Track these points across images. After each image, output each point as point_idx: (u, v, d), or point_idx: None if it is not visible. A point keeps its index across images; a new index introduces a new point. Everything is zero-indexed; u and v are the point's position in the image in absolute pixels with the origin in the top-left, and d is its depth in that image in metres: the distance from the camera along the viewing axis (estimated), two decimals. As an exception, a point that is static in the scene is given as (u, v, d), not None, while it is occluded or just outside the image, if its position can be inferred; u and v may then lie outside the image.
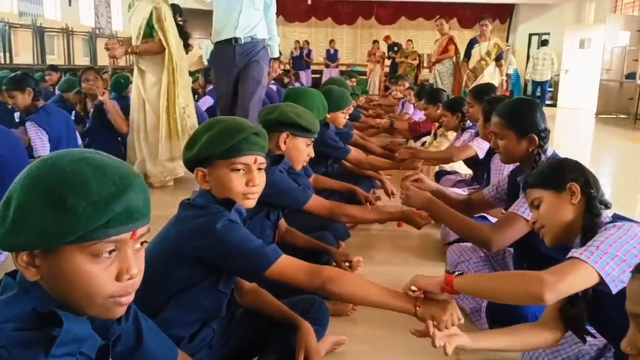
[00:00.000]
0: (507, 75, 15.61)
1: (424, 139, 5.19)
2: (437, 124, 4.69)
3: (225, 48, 4.07)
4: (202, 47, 15.69)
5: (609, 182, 5.39)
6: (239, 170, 1.52)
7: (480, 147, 3.25)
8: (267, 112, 2.21)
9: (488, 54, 7.71)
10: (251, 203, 1.57)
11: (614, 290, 1.26)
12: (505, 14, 18.81)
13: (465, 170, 4.01)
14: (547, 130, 2.07)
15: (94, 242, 0.86)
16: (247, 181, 1.54)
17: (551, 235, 1.52)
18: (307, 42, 17.10)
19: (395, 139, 5.86)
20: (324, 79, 16.05)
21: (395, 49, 15.36)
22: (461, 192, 3.27)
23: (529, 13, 18.07)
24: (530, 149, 2.04)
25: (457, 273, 1.44)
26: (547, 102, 15.72)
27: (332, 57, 16.58)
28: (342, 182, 3.24)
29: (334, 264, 2.35)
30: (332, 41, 17.01)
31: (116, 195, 0.86)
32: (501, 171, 2.68)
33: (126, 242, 0.90)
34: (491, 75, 7.58)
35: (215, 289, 1.50)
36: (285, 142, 2.19)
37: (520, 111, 2.07)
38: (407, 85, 7.99)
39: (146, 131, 4.36)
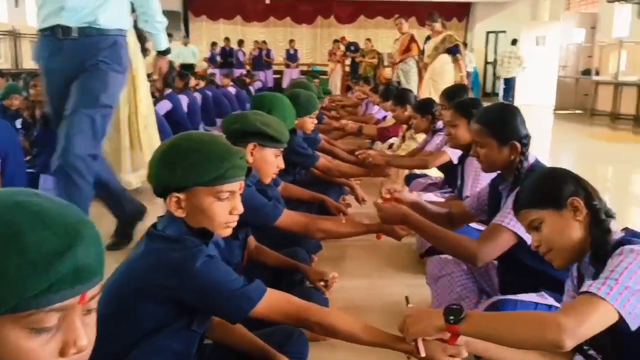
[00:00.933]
0: (467, 73, 15.91)
1: (391, 140, 5.08)
2: (405, 126, 4.58)
3: (50, 42, 2.71)
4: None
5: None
6: (224, 198, 1.35)
7: (454, 152, 3.15)
8: (232, 121, 2.03)
9: (436, 49, 7.70)
10: (229, 232, 1.40)
11: (633, 327, 1.13)
12: (462, 12, 18.99)
13: (436, 174, 3.90)
14: (529, 137, 1.96)
15: (32, 312, 0.68)
16: (231, 209, 1.38)
17: (561, 258, 1.38)
18: (264, 42, 16.87)
19: (362, 140, 5.74)
20: (284, 79, 15.94)
21: (353, 48, 15.30)
22: (435, 197, 3.16)
23: (485, 11, 18.28)
24: (512, 157, 1.93)
25: (452, 318, 1.24)
26: (509, 99, 15.99)
27: (292, 57, 16.40)
28: (311, 190, 3.11)
29: (308, 283, 2.20)
30: (291, 41, 16.84)
31: (60, 252, 0.69)
32: (478, 177, 2.57)
33: (73, 309, 0.72)
34: (449, 72, 7.52)
35: (188, 330, 1.32)
36: (252, 154, 2.01)
37: (501, 118, 1.96)
38: (370, 86, 7.88)
39: (100, 141, 4.10)
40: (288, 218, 2.07)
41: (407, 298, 1.50)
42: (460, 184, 2.90)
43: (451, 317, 1.23)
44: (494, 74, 18.27)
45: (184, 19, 18.45)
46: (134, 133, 4.09)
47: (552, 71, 14.09)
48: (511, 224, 1.79)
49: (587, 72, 12.93)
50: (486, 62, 18.43)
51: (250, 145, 1.99)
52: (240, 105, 10.49)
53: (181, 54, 15.08)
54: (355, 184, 3.44)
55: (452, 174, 3.34)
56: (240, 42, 16.56)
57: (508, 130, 1.92)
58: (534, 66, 14.88)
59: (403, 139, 4.55)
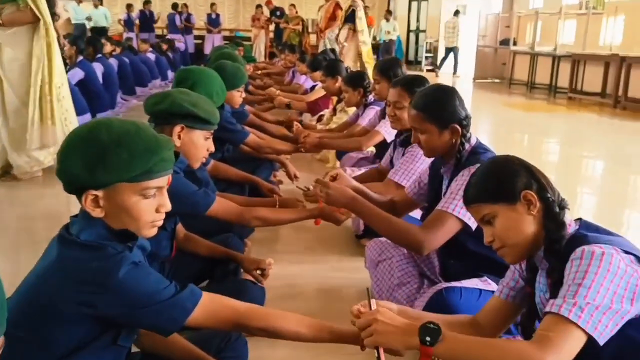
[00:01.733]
0: (391, 41, 15.98)
1: (321, 112, 4.97)
2: (335, 99, 4.48)
3: None
4: (69, 9, 14.30)
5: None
6: (150, 195, 1.19)
7: (388, 132, 3.08)
8: (156, 101, 1.84)
9: (342, 18, 7.54)
10: (155, 231, 1.23)
11: (602, 343, 1.09)
12: (385, -21, 18.96)
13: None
14: (469, 117, 1.90)
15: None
16: (158, 206, 1.21)
17: (514, 254, 1.31)
18: (185, 5, 16.11)
19: (290, 111, 5.58)
20: (206, 45, 15.35)
21: (278, 13, 14.93)
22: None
23: (408, -21, 18.35)
24: (453, 140, 1.87)
25: (429, 340, 1.13)
26: (428, 67, 16.25)
27: (213, 22, 15.78)
28: (241, 167, 2.96)
29: (242, 271, 2.07)
30: (213, 5, 16.13)
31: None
32: (415, 158, 2.49)
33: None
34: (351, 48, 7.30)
35: (114, 345, 1.17)
36: (179, 137, 1.83)
37: (439, 101, 1.87)
38: (296, 55, 7.68)
39: (5, 115, 3.73)
40: (220, 206, 1.93)
41: (368, 290, 1.39)
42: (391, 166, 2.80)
43: (427, 339, 1.14)
44: (417, 42, 18.51)
45: (97, -21, 17.30)
46: (46, 105, 3.75)
47: (471, 41, 14.40)
48: (456, 210, 1.74)
49: (505, 42, 13.31)
50: (409, 30, 18.59)
51: (178, 128, 1.81)
52: (161, 73, 10.01)
53: (92, 16, 14.19)
54: (286, 160, 3.31)
55: (384, 149, 3.29)
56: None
57: (447, 114, 1.85)
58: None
59: (334, 111, 4.46)
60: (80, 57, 5.92)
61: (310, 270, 2.60)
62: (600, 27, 10.36)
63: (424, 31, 18.22)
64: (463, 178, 1.77)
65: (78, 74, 5.78)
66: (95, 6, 14.35)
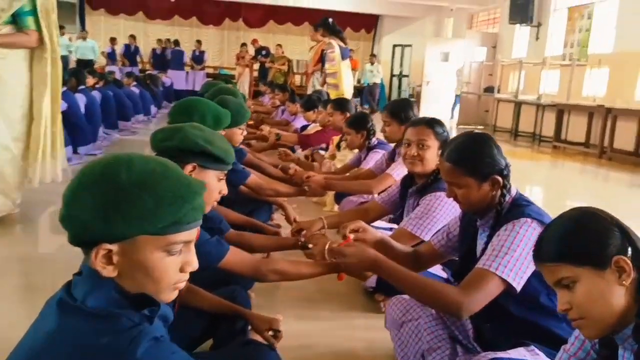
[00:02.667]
0: (374, 84, 16.08)
1: (320, 151, 4.79)
2: (337, 138, 4.31)
3: None
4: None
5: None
6: (176, 251, 0.97)
7: (400, 175, 2.90)
8: (165, 136, 1.63)
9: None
10: (176, 294, 1.01)
11: None
12: (370, 24, 19.26)
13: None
14: (509, 166, 1.74)
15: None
16: (183, 264, 1.00)
17: (595, 328, 1.12)
18: (175, 40, 16.04)
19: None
20: (188, 82, 15.20)
21: (264, 52, 14.94)
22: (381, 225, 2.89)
23: (392, 25, 18.64)
24: (493, 192, 1.69)
25: None
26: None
27: (198, 58, 15.73)
28: (238, 209, 2.75)
29: (250, 328, 1.83)
30: (198, 42, 16.12)
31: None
32: (431, 209, 2.29)
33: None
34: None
35: None
36: None
37: (477, 152, 1.70)
38: (286, 93, 7.54)
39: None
40: (235, 258, 1.71)
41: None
42: (401, 213, 2.62)
43: None
44: (400, 86, 18.69)
45: (80, 12, 17.20)
46: (42, 138, 3.42)
47: (455, 87, 14.55)
48: (499, 269, 1.54)
49: (488, 90, 13.47)
50: (392, 74, 18.79)
51: (189, 167, 1.61)
52: (144, 108, 9.79)
53: (79, 48, 14.00)
54: (285, 203, 3.10)
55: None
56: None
57: (486, 165, 1.68)
58: (439, 81, 15.30)
59: (338, 147, 4.27)
60: (64, 88, 5.67)
61: (320, 329, 2.35)
62: (583, 78, 10.51)
63: (407, 76, 18.44)
64: (506, 233, 1.59)
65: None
66: (84, 38, 14.17)
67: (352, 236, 1.80)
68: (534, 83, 11.59)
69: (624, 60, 9.35)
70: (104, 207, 0.90)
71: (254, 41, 15.71)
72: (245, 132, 2.98)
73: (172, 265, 0.97)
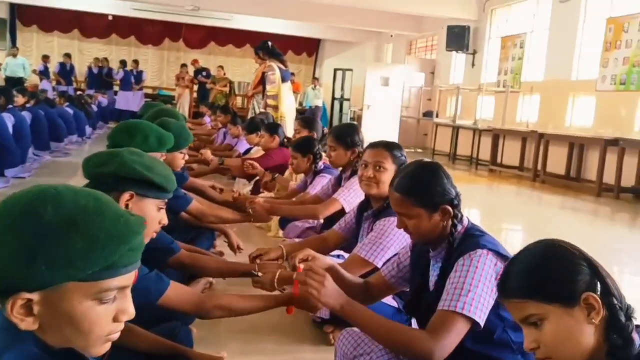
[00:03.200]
0: (317, 107, 16.17)
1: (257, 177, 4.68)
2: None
3: None
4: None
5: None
6: (108, 300, 0.85)
7: (347, 200, 2.84)
8: (101, 161, 1.50)
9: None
10: (108, 347, 0.89)
11: None
12: (312, 48, 19.45)
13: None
14: (459, 195, 1.70)
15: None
16: (117, 313, 0.87)
17: None
18: (106, 59, 15.61)
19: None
20: (123, 102, 14.77)
21: (204, 73, 14.77)
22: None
23: (333, 49, 18.90)
24: (444, 222, 1.65)
25: None
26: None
27: (136, 78, 15.34)
28: (179, 236, 2.61)
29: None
30: (135, 61, 15.74)
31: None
32: (385, 233, 2.24)
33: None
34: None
35: None
36: (127, 206, 1.50)
37: (427, 182, 1.66)
38: (228, 116, 7.40)
39: None
40: (176, 293, 1.58)
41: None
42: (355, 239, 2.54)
43: None
44: (341, 109, 18.87)
45: (11, 28, 16.50)
46: None
47: (395, 111, 14.81)
48: (465, 308, 1.48)
49: (427, 114, 13.78)
50: (333, 98, 18.97)
51: (126, 195, 1.48)
52: (79, 128, 9.40)
53: (9, 65, 13.37)
54: (229, 230, 2.98)
55: (332, 220, 3.03)
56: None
57: (437, 195, 1.64)
58: (378, 105, 15.54)
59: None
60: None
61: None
62: (517, 104, 10.93)
63: (348, 99, 18.66)
64: (464, 268, 1.54)
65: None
66: (14, 55, 13.54)
67: (301, 266, 1.72)
68: (470, 108, 11.96)
69: (554, 88, 9.79)
70: (25, 249, 0.77)
71: (194, 61, 15.52)
72: (186, 157, 2.86)
73: (105, 315, 0.85)
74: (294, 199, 3.42)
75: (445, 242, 1.66)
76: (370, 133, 15.11)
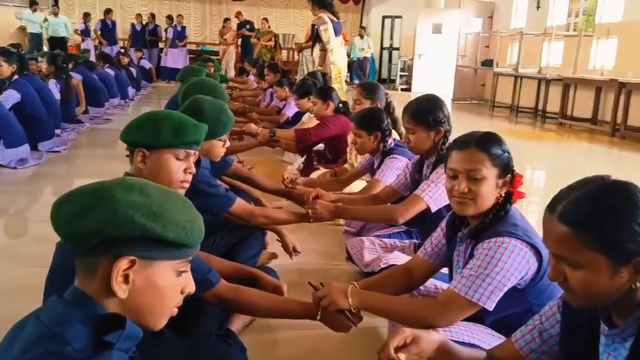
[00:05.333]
0: (365, 58, 15.31)
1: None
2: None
3: None
4: (23, 17, 13.10)
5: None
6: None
7: (434, 198, 2.24)
8: (79, 210, 0.92)
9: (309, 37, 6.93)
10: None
11: None
12: (359, -6, 18.37)
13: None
14: None
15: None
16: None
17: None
18: (152, 15, 15.05)
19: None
20: (171, 60, 14.31)
21: (248, 27, 14.04)
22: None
23: (382, -5, 17.78)
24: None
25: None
26: (403, 86, 15.65)
27: (179, 35, 14.78)
28: (224, 235, 2.16)
29: None
30: (179, 16, 15.12)
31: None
32: (497, 263, 1.63)
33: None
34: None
35: None
36: (127, 278, 0.95)
37: (619, 213, 1.03)
38: (277, 76, 6.77)
39: None
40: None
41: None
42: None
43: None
44: (390, 60, 17.90)
45: (52, -14, 16.13)
46: None
47: (450, 60, 13.82)
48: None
49: (486, 63, 12.79)
50: (382, 48, 17.99)
51: (124, 263, 0.93)
52: (121, 90, 8.99)
53: (51, 25, 13.01)
54: (284, 231, 2.45)
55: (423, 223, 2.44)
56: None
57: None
58: (430, 54, 14.56)
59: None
60: (15, 76, 4.92)
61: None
62: (589, 49, 9.86)
63: (397, 49, 17.65)
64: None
65: (12, 96, 4.78)
66: (55, 14, 13.15)
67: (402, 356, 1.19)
68: (534, 55, 10.91)
69: (635, 30, 8.70)
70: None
71: (238, 14, 14.76)
72: (227, 143, 2.29)
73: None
74: (363, 189, 2.83)
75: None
76: (422, 85, 14.33)
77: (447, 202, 2.19)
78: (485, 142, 1.66)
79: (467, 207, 1.64)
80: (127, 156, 1.72)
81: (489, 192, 1.61)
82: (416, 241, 2.66)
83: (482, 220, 1.63)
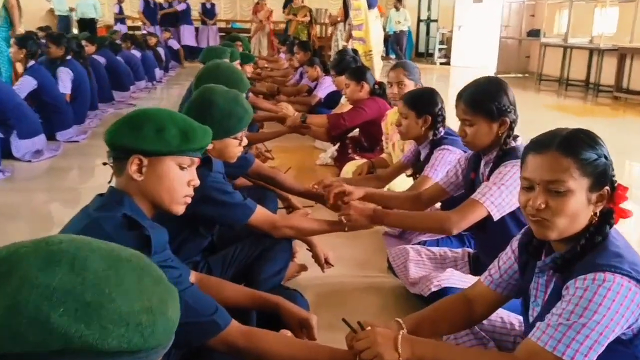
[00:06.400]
0: (401, 32, 14.66)
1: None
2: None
3: None
4: (51, -1, 12.96)
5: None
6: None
7: (498, 204, 1.79)
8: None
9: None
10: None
11: None
12: (394, -35, 17.57)
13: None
14: None
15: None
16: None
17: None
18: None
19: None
20: (200, 38, 13.96)
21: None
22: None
23: (419, -35, 16.99)
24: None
25: None
26: (442, 60, 14.98)
27: (209, 12, 14.38)
28: (242, 258, 1.74)
29: None
30: (208, -7, 14.67)
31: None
32: (596, 306, 1.21)
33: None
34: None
35: None
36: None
37: None
38: (308, 54, 6.32)
39: None
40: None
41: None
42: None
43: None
44: (428, 32, 17.17)
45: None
46: None
47: (492, 31, 13.06)
48: None
49: (532, 33, 12.02)
50: (419, 20, 17.24)
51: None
52: (148, 72, 8.69)
53: (79, 7, 12.79)
54: (315, 241, 2.07)
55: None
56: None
57: None
58: (471, 25, 13.81)
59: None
60: (31, 62, 4.62)
61: None
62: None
63: (435, 21, 16.88)
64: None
65: (28, 83, 4.49)
66: (84, -6, 12.91)
67: None
68: (585, 24, 10.14)
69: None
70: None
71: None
72: (245, 141, 1.89)
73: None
74: (409, 187, 2.40)
75: None
76: (462, 59, 13.64)
77: (512, 208, 1.78)
78: (572, 144, 1.23)
79: (549, 229, 1.23)
80: (104, 164, 1.36)
81: (578, 209, 1.20)
82: (470, 250, 2.25)
83: (572, 247, 1.22)
